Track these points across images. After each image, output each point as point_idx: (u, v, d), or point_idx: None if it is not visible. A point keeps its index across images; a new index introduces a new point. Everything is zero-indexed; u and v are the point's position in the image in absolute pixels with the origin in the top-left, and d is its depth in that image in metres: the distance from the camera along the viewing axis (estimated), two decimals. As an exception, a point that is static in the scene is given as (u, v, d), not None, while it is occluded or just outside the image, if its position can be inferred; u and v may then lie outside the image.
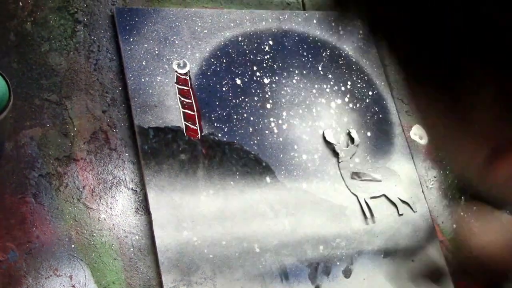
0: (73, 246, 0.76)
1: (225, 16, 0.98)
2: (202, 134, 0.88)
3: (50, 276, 0.73)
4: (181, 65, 0.91)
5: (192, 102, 0.89)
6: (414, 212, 0.97)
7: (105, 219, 0.79)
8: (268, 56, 0.98)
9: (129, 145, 0.85)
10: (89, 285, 0.75)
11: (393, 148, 1.01)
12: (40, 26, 0.86)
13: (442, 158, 1.06)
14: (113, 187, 0.82)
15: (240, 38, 0.98)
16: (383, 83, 1.05)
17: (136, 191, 0.83)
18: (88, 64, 0.87)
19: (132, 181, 0.83)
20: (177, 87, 0.89)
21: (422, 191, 1.00)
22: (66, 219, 0.77)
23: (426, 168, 1.04)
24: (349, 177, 0.95)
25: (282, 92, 0.97)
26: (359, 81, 1.04)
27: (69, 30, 0.87)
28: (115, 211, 0.80)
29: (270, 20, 1.01)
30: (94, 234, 0.78)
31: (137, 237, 0.80)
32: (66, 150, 0.81)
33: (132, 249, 0.79)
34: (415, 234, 0.96)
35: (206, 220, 0.83)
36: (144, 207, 0.82)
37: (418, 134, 1.06)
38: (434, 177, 1.04)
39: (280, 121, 0.94)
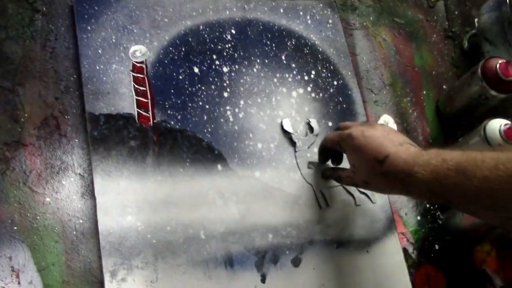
0: (15, 228, 0.78)
1: (188, 5, 0.99)
2: (155, 121, 0.89)
3: (-12, 256, 0.76)
4: (139, 52, 0.92)
5: (146, 90, 0.90)
6: (373, 203, 0.96)
7: (49, 203, 0.81)
8: (229, 45, 0.99)
9: (80, 132, 0.86)
10: (28, 266, 0.77)
11: (356, 138, 0.99)
12: (-2, 15, 0.88)
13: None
14: (60, 172, 0.83)
15: (201, 27, 0.98)
16: (349, 73, 1.04)
17: (83, 176, 0.84)
18: (43, 52, 0.89)
19: (80, 167, 0.85)
20: (132, 75, 0.90)
21: (384, 182, 0.98)
22: (10, 202, 0.80)
23: (392, 159, 1.02)
24: (306, 166, 0.94)
25: (241, 81, 0.97)
26: (324, 70, 1.03)
27: (26, 19, 0.90)
28: (61, 195, 0.82)
29: (234, 9, 1.02)
30: (38, 217, 0.80)
31: (80, 220, 0.82)
32: (16, 135, 0.83)
33: (75, 232, 0.81)
34: (372, 225, 0.95)
35: (152, 206, 0.84)
36: (90, 192, 0.83)
37: (386, 124, 1.05)
38: (401, 168, 1.02)
39: (236, 110, 0.94)
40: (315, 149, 0.96)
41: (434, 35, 1.18)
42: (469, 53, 1.18)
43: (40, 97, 0.86)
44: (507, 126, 0.92)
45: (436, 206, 1.02)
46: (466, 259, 1.00)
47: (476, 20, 1.15)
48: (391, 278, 0.93)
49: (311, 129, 0.97)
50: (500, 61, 0.97)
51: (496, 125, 0.94)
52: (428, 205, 1.02)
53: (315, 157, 0.96)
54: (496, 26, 1.10)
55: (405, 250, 0.96)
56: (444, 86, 1.13)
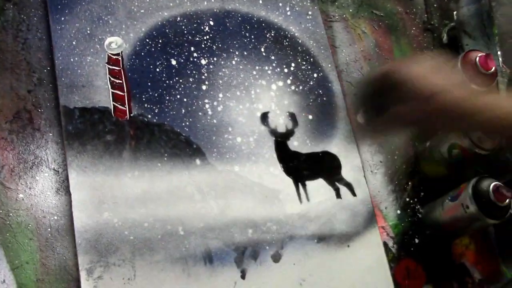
0: (-13, 225, 0.76)
1: (165, -4, 0.96)
2: (131, 115, 0.87)
3: (-41, 255, 0.73)
4: (115, 44, 0.90)
5: (122, 82, 0.88)
6: (354, 196, 0.95)
7: (23, 199, 0.79)
8: (207, 37, 0.97)
9: (54, 126, 0.84)
10: (1, 265, 0.75)
11: (336, 132, 0.99)
12: (-33, 4, 0.85)
13: (391, 143, 1.04)
14: (34, 167, 0.81)
15: (178, 18, 0.96)
16: (329, 65, 1.03)
17: (58, 171, 0.82)
18: (15, 43, 0.86)
19: (54, 162, 0.82)
20: (108, 67, 0.88)
21: (364, 176, 0.98)
22: (-18, 198, 0.77)
23: (372, 152, 1.02)
24: (285, 160, 0.93)
25: (220, 74, 0.95)
26: (304, 63, 1.01)
27: (-3, 9, 0.87)
28: (35, 191, 0.80)
29: (212, 0, 1.00)
30: (10, 214, 0.78)
31: (55, 217, 0.80)
32: (-13, 129, 0.80)
33: (49, 229, 0.79)
34: (353, 219, 0.94)
35: (129, 202, 0.82)
36: (66, 187, 0.81)
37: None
38: (380, 161, 1.02)
39: (215, 103, 0.93)
40: (296, 143, 0.95)
41: (413, 28, 1.17)
42: (448, 46, 1.17)
43: (12, 89, 0.84)
44: (487, 120, 0.92)
45: (416, 199, 1.02)
46: (445, 252, 1.00)
47: (455, 13, 1.15)
48: (371, 273, 0.92)
49: (291, 122, 0.96)
50: (479, 54, 0.97)
51: (476, 118, 0.93)
52: (408, 199, 1.01)
53: (296, 151, 0.94)
54: (475, 19, 1.09)
55: (385, 244, 0.96)
56: (423, 79, 1.12)
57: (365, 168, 0.99)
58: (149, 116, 0.88)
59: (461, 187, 0.92)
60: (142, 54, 0.91)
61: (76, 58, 0.87)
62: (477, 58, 0.97)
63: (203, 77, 0.93)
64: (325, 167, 0.95)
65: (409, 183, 1.03)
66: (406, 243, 0.98)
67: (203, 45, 0.96)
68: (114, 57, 0.89)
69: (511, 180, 0.98)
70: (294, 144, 0.95)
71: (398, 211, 1.00)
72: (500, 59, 1.09)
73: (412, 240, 0.99)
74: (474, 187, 0.89)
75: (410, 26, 1.17)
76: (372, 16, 1.14)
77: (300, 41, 1.03)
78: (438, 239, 1.00)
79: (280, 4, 1.04)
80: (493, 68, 0.96)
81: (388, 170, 1.02)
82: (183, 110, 0.90)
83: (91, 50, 0.88)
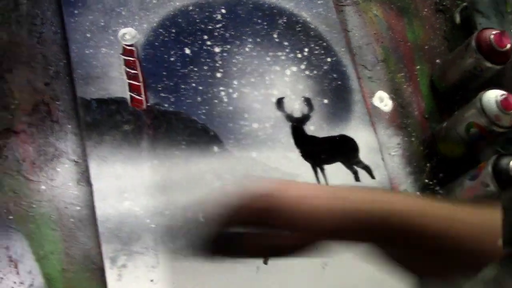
0: (10, 217, 0.76)
1: (176, -14, 0.97)
2: (148, 104, 0.87)
3: (-15, 247, 0.74)
4: (129, 35, 0.90)
5: (137, 72, 0.88)
6: (373, 179, 0.95)
7: (45, 191, 0.80)
8: (220, 25, 0.97)
9: (72, 117, 0.85)
10: (26, 256, 0.75)
11: (352, 115, 0.98)
12: (-18, 0, 0.86)
13: (407, 125, 1.04)
14: (54, 159, 0.82)
15: (190, 8, 0.96)
16: (343, 49, 1.03)
17: (78, 162, 0.83)
18: (31, 37, 0.87)
19: (74, 153, 0.83)
20: (123, 58, 0.88)
21: (382, 158, 0.97)
22: (4, 191, 0.78)
23: (389, 135, 1.01)
24: (303, 144, 0.93)
25: (234, 61, 0.95)
26: (317, 47, 1.01)
27: (11, 4, 0.87)
28: (56, 183, 0.80)
29: (223, -12, 1.00)
30: (33, 205, 0.78)
31: (77, 207, 0.80)
32: (7, 123, 0.81)
33: (72, 219, 0.79)
34: (372, 201, 0.94)
35: (149, 190, 0.83)
36: (86, 178, 0.82)
37: (381, 100, 1.03)
38: (398, 144, 1.01)
39: (230, 90, 0.93)
40: (312, 127, 0.95)
41: (425, 9, 1.16)
42: (460, 26, 1.17)
43: (29, 83, 0.84)
44: (504, 97, 0.91)
45: (435, 181, 1.01)
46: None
47: (467, -8, 1.14)
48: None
49: (307, 107, 0.96)
50: (494, 32, 0.97)
51: (492, 95, 0.93)
52: (427, 180, 1.01)
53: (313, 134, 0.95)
54: (487, -2, 1.09)
55: (405, 226, 0.96)
56: (437, 60, 1.12)
57: (382, 150, 0.99)
58: (166, 105, 0.88)
59: (480, 166, 0.92)
60: (156, 44, 0.92)
61: (91, 50, 0.87)
62: (492, 36, 0.96)
63: (217, 65, 0.94)
64: (343, 150, 0.95)
65: (428, 164, 1.02)
66: (426, 224, 0.98)
67: (216, 33, 0.96)
68: (129, 48, 0.89)
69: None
70: (311, 128, 0.95)
71: (417, 193, 1.00)
72: (514, 37, 1.09)
73: (432, 221, 0.98)
74: (493, 165, 0.89)
75: (422, 7, 1.16)
76: (383, -1, 1.14)
77: (312, 26, 1.03)
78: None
79: (291, -10, 1.05)
80: (508, 45, 0.96)
81: (405, 152, 1.02)
82: (199, 98, 0.90)
83: (106, 41, 0.89)
